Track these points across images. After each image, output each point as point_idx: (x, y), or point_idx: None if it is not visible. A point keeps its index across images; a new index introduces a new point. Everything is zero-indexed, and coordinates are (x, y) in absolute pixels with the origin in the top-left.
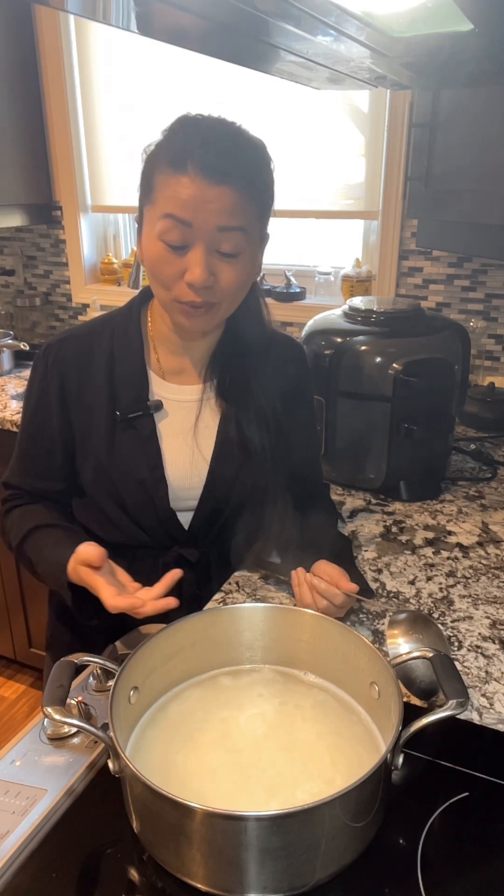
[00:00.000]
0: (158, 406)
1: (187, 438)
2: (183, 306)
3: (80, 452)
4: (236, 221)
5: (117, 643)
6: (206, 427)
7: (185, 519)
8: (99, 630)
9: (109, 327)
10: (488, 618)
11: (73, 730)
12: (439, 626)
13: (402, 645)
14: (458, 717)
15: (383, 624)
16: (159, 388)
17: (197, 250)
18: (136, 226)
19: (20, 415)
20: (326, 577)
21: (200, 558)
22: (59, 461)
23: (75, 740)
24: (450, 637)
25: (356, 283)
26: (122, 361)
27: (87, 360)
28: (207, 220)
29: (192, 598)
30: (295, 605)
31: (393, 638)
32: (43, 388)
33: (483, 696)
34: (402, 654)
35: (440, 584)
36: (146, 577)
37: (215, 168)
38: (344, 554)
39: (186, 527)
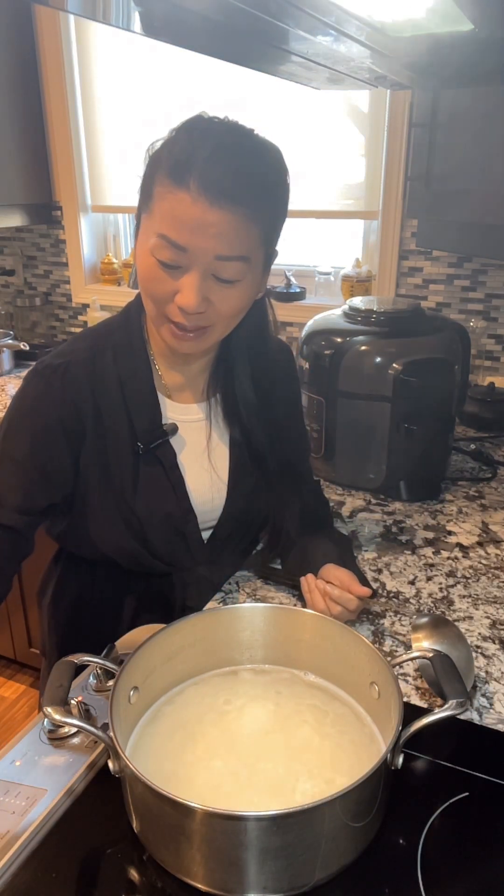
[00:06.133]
0: (174, 429)
1: (202, 461)
2: (171, 326)
3: (95, 488)
4: (237, 251)
5: (117, 643)
6: (217, 446)
7: (203, 536)
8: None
9: (110, 345)
10: (488, 618)
11: (73, 730)
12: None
13: (426, 646)
14: (458, 717)
15: (383, 624)
16: (168, 409)
17: (191, 276)
18: (135, 225)
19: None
20: (337, 581)
21: (215, 571)
22: (49, 494)
23: (75, 740)
24: None
25: (356, 283)
26: (131, 384)
27: (100, 386)
28: (205, 246)
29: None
30: (294, 605)
31: (417, 641)
32: (46, 412)
33: (483, 696)
34: (402, 654)
35: (440, 584)
36: (165, 598)
37: (219, 188)
38: (345, 553)
39: (205, 542)
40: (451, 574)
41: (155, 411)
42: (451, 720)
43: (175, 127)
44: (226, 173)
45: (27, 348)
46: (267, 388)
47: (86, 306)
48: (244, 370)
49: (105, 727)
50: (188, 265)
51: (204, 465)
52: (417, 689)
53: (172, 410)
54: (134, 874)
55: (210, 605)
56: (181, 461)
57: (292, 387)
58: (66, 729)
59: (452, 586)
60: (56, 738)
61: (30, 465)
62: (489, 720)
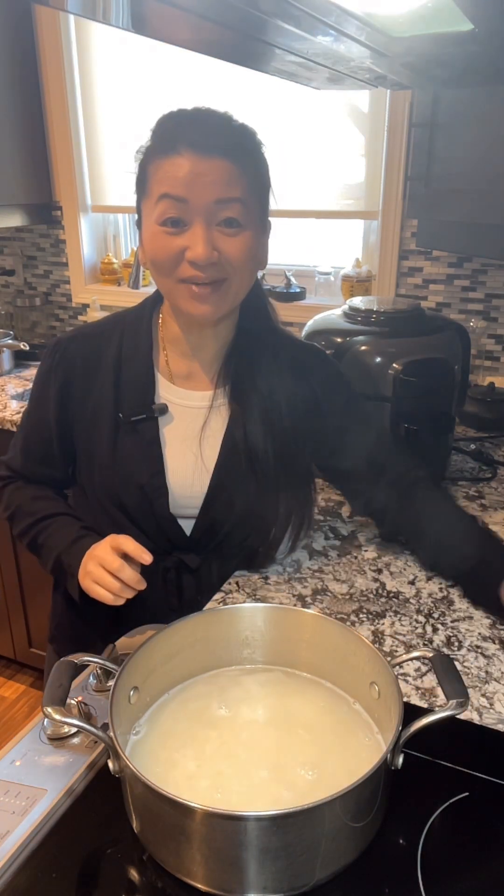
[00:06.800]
0: (163, 409)
1: (191, 445)
2: (188, 288)
3: (83, 453)
4: (233, 193)
5: (117, 643)
6: (211, 435)
7: (187, 525)
8: (102, 623)
9: (120, 327)
10: (488, 618)
11: (73, 730)
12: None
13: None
14: (458, 717)
15: (383, 624)
16: (167, 391)
17: (196, 227)
18: (137, 230)
19: (26, 403)
20: None
21: (202, 565)
22: (56, 452)
23: (75, 740)
24: (450, 637)
25: (356, 283)
26: (129, 363)
27: (94, 362)
28: (203, 193)
29: (191, 603)
30: (294, 605)
31: None
32: (45, 384)
33: (483, 696)
34: (402, 654)
35: (440, 584)
36: (146, 580)
37: (206, 143)
38: (491, 542)
39: (188, 532)
40: None
41: (147, 389)
42: (451, 720)
43: (153, 126)
44: (209, 132)
45: (27, 348)
46: (288, 391)
47: (86, 306)
48: (254, 362)
49: (105, 727)
50: (191, 218)
51: (192, 450)
52: (417, 689)
53: (172, 394)
54: (134, 874)
55: (210, 605)
56: (168, 440)
57: (330, 390)
58: (66, 729)
59: (452, 586)
60: (56, 738)
61: (42, 426)
62: (489, 720)
